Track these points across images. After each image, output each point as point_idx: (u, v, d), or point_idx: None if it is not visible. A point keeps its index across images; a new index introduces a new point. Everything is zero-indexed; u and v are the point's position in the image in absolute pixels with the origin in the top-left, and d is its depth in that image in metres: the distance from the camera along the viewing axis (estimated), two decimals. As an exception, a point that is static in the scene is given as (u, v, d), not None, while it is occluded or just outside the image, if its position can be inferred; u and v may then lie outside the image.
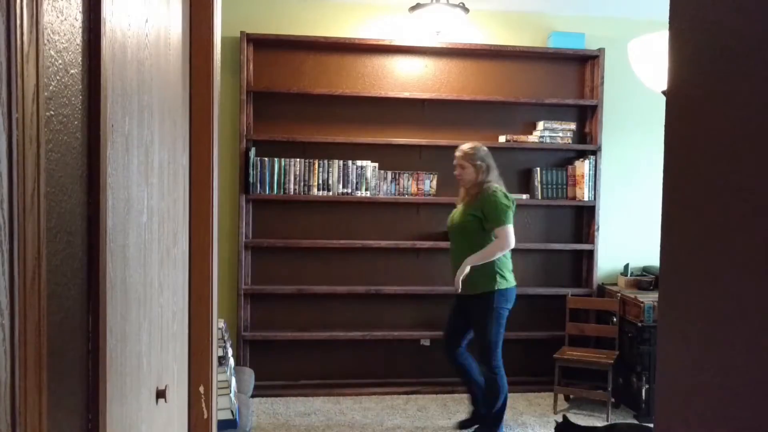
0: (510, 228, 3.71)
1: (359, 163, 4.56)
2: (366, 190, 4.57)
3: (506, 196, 3.78)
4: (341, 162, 4.55)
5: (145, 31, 1.40)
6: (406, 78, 4.70)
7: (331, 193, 4.55)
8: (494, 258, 3.70)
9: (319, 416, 4.20)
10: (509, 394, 4.65)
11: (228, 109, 4.43)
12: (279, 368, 4.63)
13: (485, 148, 3.88)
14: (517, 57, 4.75)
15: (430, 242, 4.68)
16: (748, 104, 0.82)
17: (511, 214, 3.74)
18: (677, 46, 0.98)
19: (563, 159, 4.86)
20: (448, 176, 4.71)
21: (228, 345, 3.38)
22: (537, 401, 4.56)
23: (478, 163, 3.78)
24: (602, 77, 4.68)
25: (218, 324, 2.42)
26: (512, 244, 3.71)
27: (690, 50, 0.95)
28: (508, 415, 4.29)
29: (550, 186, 4.75)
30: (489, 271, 3.73)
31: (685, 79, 0.96)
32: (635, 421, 4.19)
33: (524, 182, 4.82)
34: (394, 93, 4.61)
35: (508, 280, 3.78)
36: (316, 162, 4.53)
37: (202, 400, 2.06)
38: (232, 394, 2.84)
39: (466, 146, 3.87)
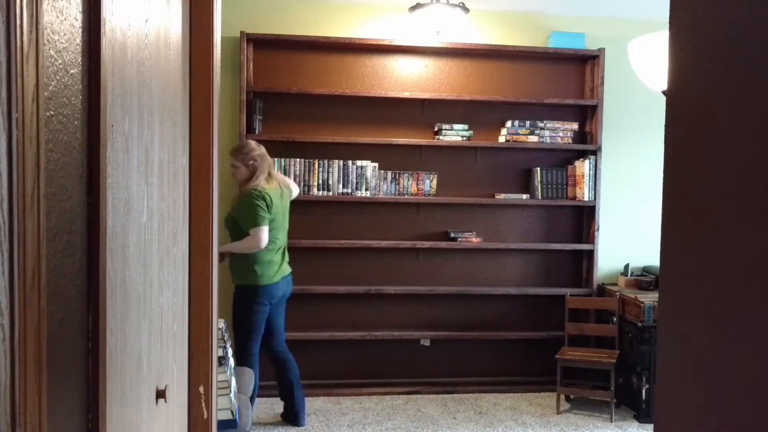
0: (259, 230, 3.61)
1: (359, 163, 4.56)
2: (366, 190, 4.56)
3: (262, 197, 3.64)
4: (341, 162, 4.54)
5: (145, 31, 1.40)
6: (406, 78, 4.70)
7: (331, 193, 4.54)
8: (248, 252, 3.68)
9: (319, 416, 4.20)
10: (511, 395, 4.69)
11: (228, 109, 4.43)
12: (279, 368, 4.62)
13: (259, 148, 3.75)
14: (517, 57, 4.74)
15: (430, 242, 4.68)
16: (748, 104, 0.82)
17: (261, 215, 3.61)
18: (677, 46, 0.98)
19: (563, 159, 4.86)
20: (448, 176, 4.72)
21: (228, 345, 3.38)
22: (537, 401, 4.55)
23: (251, 163, 3.69)
24: (602, 77, 4.68)
25: (218, 324, 2.42)
26: (260, 245, 3.63)
27: (690, 50, 0.95)
28: (508, 415, 4.30)
29: (550, 186, 4.75)
30: (246, 265, 3.72)
31: (685, 79, 0.96)
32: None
33: (524, 182, 4.82)
34: (394, 93, 4.60)
35: (262, 276, 3.72)
36: (316, 162, 4.53)
37: (202, 400, 2.06)
38: (232, 394, 2.84)
39: (238, 145, 3.83)
